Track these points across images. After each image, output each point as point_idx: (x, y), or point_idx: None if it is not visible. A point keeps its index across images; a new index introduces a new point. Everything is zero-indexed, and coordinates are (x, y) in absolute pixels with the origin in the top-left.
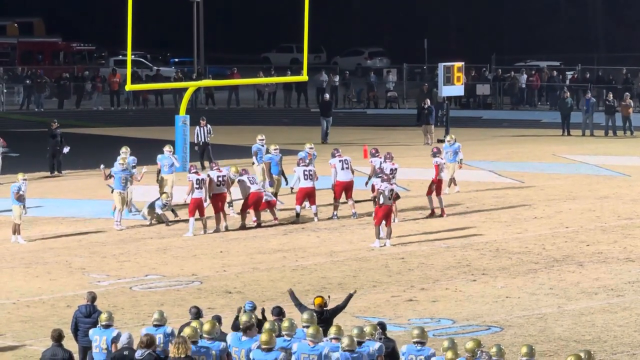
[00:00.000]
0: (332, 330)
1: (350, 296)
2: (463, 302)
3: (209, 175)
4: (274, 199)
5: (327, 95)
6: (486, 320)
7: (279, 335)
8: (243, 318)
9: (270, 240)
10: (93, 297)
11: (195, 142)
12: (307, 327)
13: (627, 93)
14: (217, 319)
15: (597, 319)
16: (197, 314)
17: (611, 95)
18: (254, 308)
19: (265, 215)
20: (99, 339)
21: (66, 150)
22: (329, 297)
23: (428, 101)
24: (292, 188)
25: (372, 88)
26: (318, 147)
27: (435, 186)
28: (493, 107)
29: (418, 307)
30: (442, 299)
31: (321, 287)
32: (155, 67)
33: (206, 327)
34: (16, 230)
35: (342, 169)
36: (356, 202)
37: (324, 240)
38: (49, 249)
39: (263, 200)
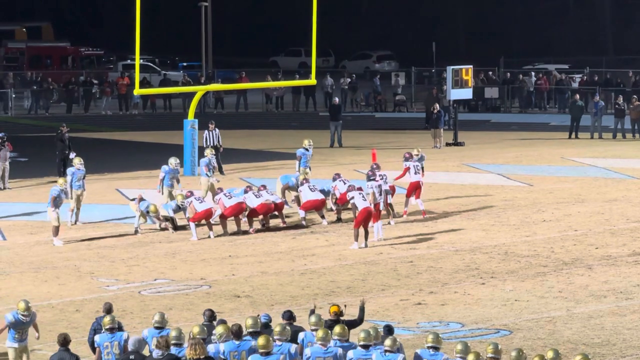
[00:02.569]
0: (337, 331)
1: (362, 309)
2: (472, 305)
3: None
4: (282, 201)
5: (337, 99)
6: (495, 324)
7: (291, 340)
8: (249, 321)
9: (279, 244)
10: (108, 309)
11: (204, 146)
12: (316, 330)
13: (635, 96)
14: (222, 324)
15: (606, 322)
16: (211, 317)
17: (621, 98)
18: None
19: (273, 222)
20: (109, 345)
21: (72, 156)
22: (345, 306)
23: (437, 105)
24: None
25: (377, 92)
26: (327, 151)
27: (411, 188)
28: (501, 110)
29: (427, 310)
30: (450, 302)
31: (330, 291)
32: (164, 72)
33: (220, 329)
34: (55, 232)
35: (345, 183)
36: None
37: (333, 243)
38: (58, 253)
39: (271, 205)
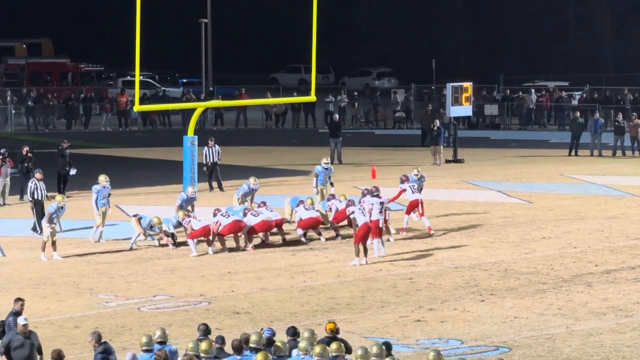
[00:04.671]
0: (333, 347)
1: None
2: (471, 322)
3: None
4: (281, 217)
5: (337, 116)
6: (494, 341)
7: (289, 356)
8: (253, 337)
9: (278, 260)
10: (98, 337)
11: (204, 162)
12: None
13: (635, 113)
14: (221, 340)
15: (605, 340)
16: (206, 331)
17: (620, 116)
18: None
19: (274, 238)
20: None
21: (73, 172)
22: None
23: (437, 122)
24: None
25: (377, 108)
26: None
27: (410, 207)
28: (501, 128)
29: (426, 327)
30: (450, 319)
31: (329, 308)
32: (163, 88)
33: (203, 346)
34: (43, 247)
35: (341, 202)
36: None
37: (332, 260)
38: (57, 269)
39: (272, 223)
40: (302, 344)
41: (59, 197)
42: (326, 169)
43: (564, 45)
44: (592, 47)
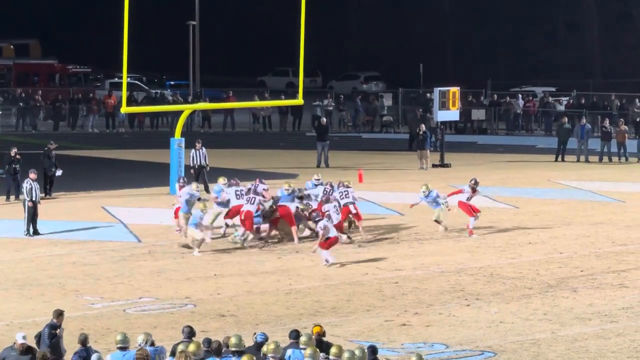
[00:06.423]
0: (333, 351)
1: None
2: (457, 327)
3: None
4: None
5: (324, 120)
6: (480, 346)
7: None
8: (232, 340)
9: (264, 263)
10: (83, 340)
11: (191, 165)
12: (305, 349)
13: (621, 119)
14: (208, 343)
15: (590, 345)
16: (190, 333)
17: (607, 122)
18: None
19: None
20: None
21: (59, 173)
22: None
23: (423, 126)
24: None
25: (357, 112)
26: (314, 171)
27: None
28: (488, 132)
29: (411, 331)
30: (435, 323)
31: (315, 311)
32: (154, 90)
33: (191, 347)
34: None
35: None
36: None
37: (318, 263)
38: (43, 270)
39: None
40: (271, 345)
41: (200, 204)
42: (316, 185)
43: (552, 51)
44: (580, 53)
